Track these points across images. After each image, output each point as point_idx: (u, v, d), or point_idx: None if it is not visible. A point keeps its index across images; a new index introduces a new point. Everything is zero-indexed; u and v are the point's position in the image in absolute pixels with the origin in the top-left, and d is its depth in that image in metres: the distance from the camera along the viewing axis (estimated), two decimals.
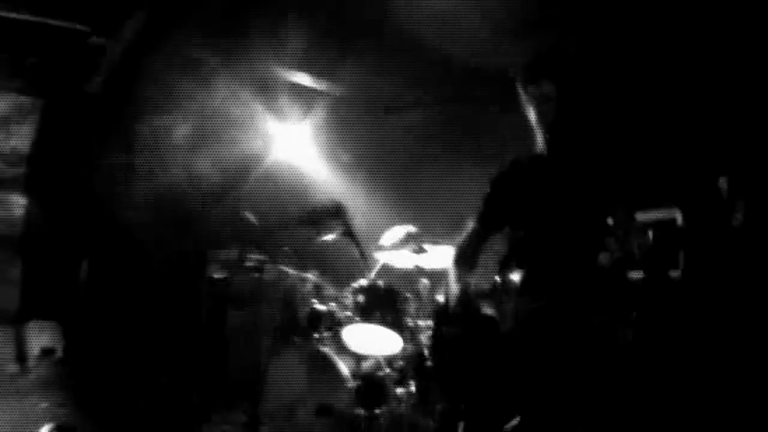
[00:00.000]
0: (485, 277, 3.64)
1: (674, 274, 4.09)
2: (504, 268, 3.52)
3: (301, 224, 5.74)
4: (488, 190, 3.80)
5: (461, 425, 3.47)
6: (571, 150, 3.46)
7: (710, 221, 3.77)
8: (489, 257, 3.80)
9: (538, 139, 3.51)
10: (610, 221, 3.08)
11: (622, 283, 4.12)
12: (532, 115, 3.47)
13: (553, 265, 3.28)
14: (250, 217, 5.83)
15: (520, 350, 3.26)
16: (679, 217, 4.08)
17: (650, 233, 3.06)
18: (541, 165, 3.53)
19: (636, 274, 4.23)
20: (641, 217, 3.57)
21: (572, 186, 3.38)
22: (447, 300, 3.85)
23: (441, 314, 3.96)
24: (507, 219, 3.64)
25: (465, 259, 3.84)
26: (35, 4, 5.99)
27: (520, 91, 3.50)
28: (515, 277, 3.42)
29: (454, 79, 6.18)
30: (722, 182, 2.86)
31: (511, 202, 3.61)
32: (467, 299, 3.63)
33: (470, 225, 3.87)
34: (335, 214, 5.49)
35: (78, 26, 6.20)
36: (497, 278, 3.53)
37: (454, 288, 3.76)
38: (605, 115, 3.89)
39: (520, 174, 3.64)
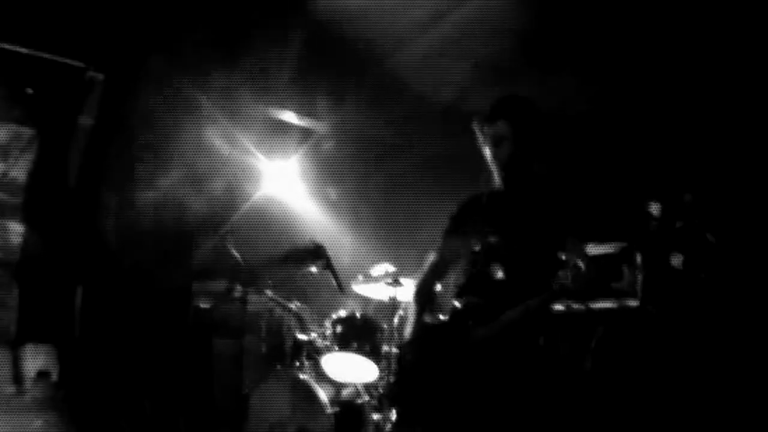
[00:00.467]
0: (443, 307, 3.83)
1: (632, 303, 4.39)
2: (459, 297, 3.71)
3: (282, 263, 5.98)
4: (448, 225, 3.97)
5: None
6: (524, 186, 3.68)
7: (656, 250, 4.10)
8: (448, 289, 3.98)
9: (494, 175, 3.72)
10: (561, 254, 3.33)
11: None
12: (488, 153, 3.69)
13: (506, 295, 3.48)
14: (233, 251, 6.04)
15: (474, 377, 3.46)
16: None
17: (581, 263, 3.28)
18: (496, 200, 3.74)
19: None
20: (593, 249, 3.85)
21: (525, 220, 3.60)
22: (406, 330, 4.01)
23: (402, 343, 4.11)
24: (464, 253, 3.80)
25: (424, 295, 4.01)
26: (33, 39, 6.21)
27: (477, 131, 3.71)
28: (470, 304, 3.64)
29: (435, 120, 6.38)
30: (654, 207, 3.10)
31: (467, 236, 3.78)
32: (425, 328, 3.82)
33: (430, 259, 4.04)
34: (316, 254, 5.73)
35: (70, 61, 6.45)
36: (454, 305, 3.71)
37: (413, 318, 3.94)
38: (558, 153, 4.13)
39: (476, 209, 3.82)
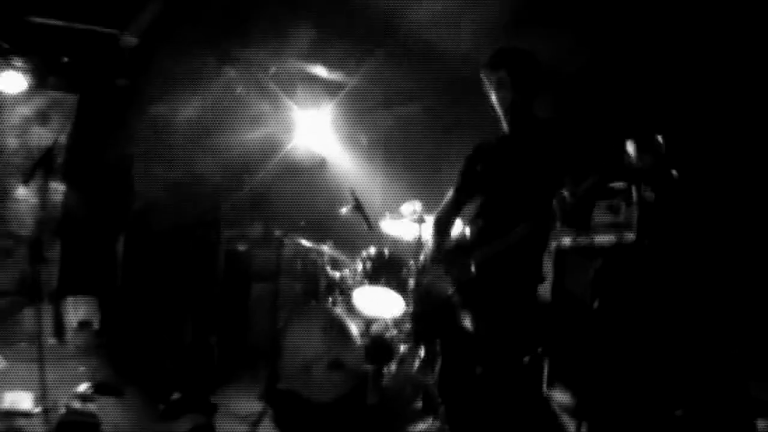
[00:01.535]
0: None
1: (629, 235, 4.56)
2: (472, 223, 3.92)
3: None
4: (463, 165, 4.12)
5: (438, 362, 3.83)
6: (527, 129, 3.83)
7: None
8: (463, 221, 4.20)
9: (501, 120, 3.89)
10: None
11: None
12: (493, 99, 3.87)
13: (509, 222, 3.67)
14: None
15: (480, 294, 3.70)
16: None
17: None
18: (504, 142, 3.90)
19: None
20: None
21: (527, 158, 3.75)
22: (424, 257, 4.26)
23: (419, 270, 4.43)
24: (477, 188, 3.99)
25: (443, 225, 4.19)
26: (66, 11, 6.38)
27: (484, 79, 3.89)
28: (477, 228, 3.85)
29: (451, 73, 6.50)
30: (630, 145, 3.21)
31: (480, 174, 3.96)
32: (441, 257, 4.03)
33: (448, 195, 4.19)
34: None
35: (103, 29, 6.60)
36: (466, 230, 3.93)
37: (431, 245, 4.20)
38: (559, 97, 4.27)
39: (487, 150, 3.98)
